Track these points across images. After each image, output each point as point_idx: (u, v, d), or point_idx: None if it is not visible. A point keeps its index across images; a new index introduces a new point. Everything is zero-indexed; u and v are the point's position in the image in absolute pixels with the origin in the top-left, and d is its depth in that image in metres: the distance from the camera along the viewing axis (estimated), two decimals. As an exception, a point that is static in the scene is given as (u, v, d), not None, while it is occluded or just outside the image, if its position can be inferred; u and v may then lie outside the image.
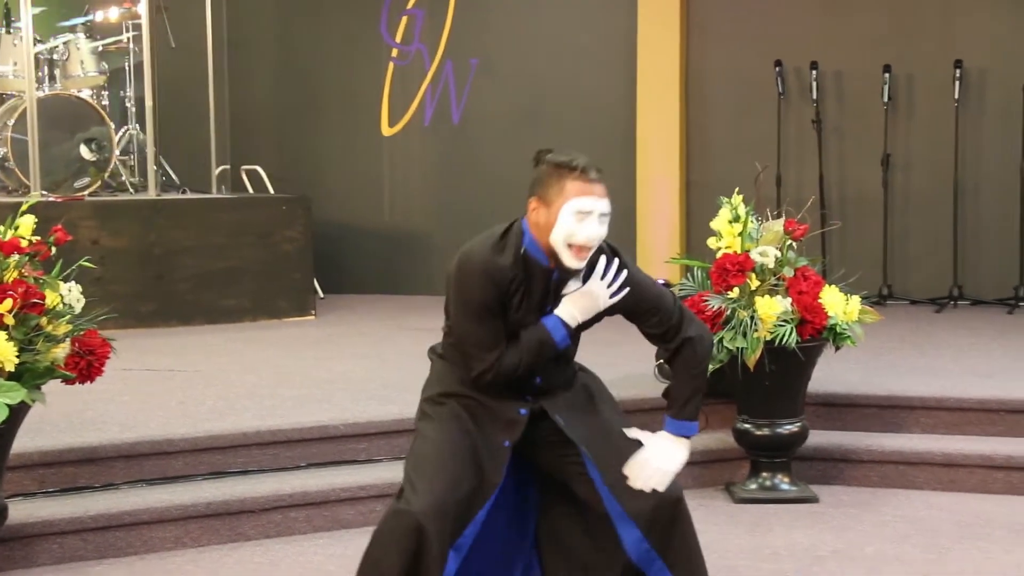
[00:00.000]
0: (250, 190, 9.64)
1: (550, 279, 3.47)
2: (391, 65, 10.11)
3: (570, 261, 3.40)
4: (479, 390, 3.51)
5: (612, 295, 3.47)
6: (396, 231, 10.16)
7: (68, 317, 4.23)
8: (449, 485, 3.35)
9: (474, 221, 9.70)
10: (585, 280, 3.50)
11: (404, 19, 10.07)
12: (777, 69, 8.97)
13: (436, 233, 10.00)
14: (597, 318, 3.54)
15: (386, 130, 10.17)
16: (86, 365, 4.24)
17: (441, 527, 3.31)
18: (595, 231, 3.38)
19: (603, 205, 3.40)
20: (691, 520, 3.54)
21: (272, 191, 9.53)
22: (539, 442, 3.54)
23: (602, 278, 3.46)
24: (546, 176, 3.42)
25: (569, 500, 3.57)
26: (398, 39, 10.09)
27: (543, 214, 3.41)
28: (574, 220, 3.36)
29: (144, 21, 8.62)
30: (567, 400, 3.57)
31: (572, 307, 3.48)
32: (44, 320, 4.14)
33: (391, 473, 5.08)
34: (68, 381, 4.24)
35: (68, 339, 4.20)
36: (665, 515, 3.46)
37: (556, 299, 3.50)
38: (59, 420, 5.09)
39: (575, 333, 3.54)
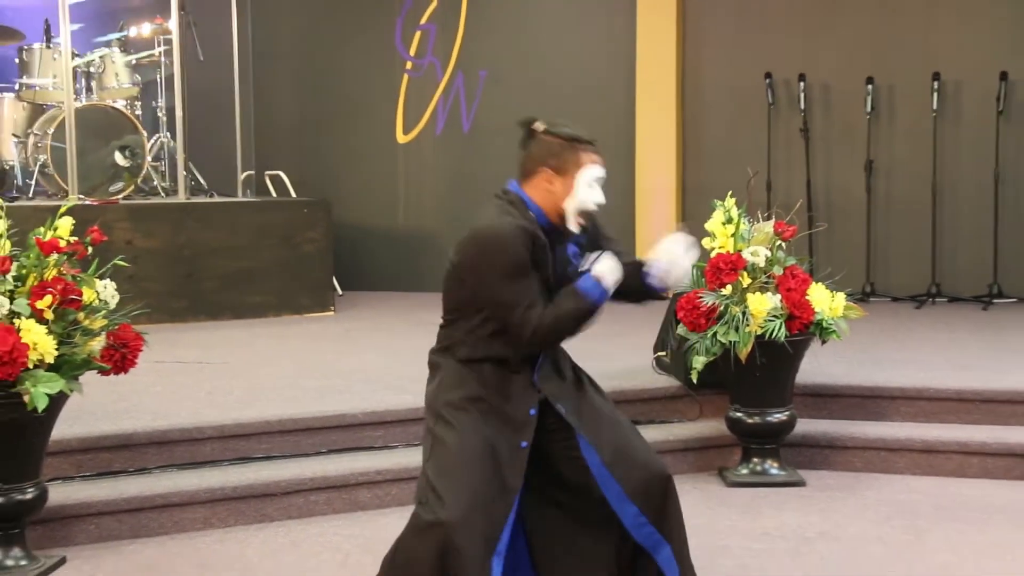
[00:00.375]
0: (273, 194, 9.64)
1: (554, 244, 3.43)
2: (405, 77, 10.10)
3: (575, 226, 3.42)
4: (494, 388, 3.39)
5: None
6: (410, 233, 10.16)
7: (103, 312, 4.24)
8: (477, 495, 3.23)
9: (483, 223, 9.77)
10: (578, 246, 3.48)
11: (418, 33, 10.06)
12: (767, 81, 8.96)
13: (447, 235, 9.97)
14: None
15: (401, 138, 10.16)
16: (120, 357, 4.25)
17: (473, 538, 3.18)
18: (601, 197, 3.43)
19: (604, 171, 3.46)
20: (678, 498, 3.48)
21: (294, 195, 9.53)
22: (538, 430, 3.44)
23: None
24: (559, 149, 3.40)
25: (558, 494, 3.48)
26: (412, 52, 10.08)
27: (559, 184, 3.39)
28: (588, 188, 3.39)
29: (175, 36, 8.63)
30: (563, 387, 3.48)
31: (610, 268, 3.38)
32: (81, 315, 4.15)
33: (407, 458, 5.09)
34: (104, 372, 4.25)
35: (104, 333, 4.21)
36: (658, 490, 3.41)
37: (561, 265, 3.44)
38: (95, 409, 5.09)
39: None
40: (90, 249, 4.27)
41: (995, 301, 8.42)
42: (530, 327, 3.31)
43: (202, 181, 9.31)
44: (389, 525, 4.72)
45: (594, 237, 3.54)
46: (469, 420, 3.35)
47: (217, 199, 8.97)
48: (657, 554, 3.42)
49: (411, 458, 5.09)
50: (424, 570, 3.19)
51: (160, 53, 9.21)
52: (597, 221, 3.55)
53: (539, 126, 3.45)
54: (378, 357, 6.66)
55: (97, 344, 4.19)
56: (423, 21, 10.03)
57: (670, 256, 3.42)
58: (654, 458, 3.47)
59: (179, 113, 8.51)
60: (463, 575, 3.16)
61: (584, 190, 3.39)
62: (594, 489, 3.41)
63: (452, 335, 3.47)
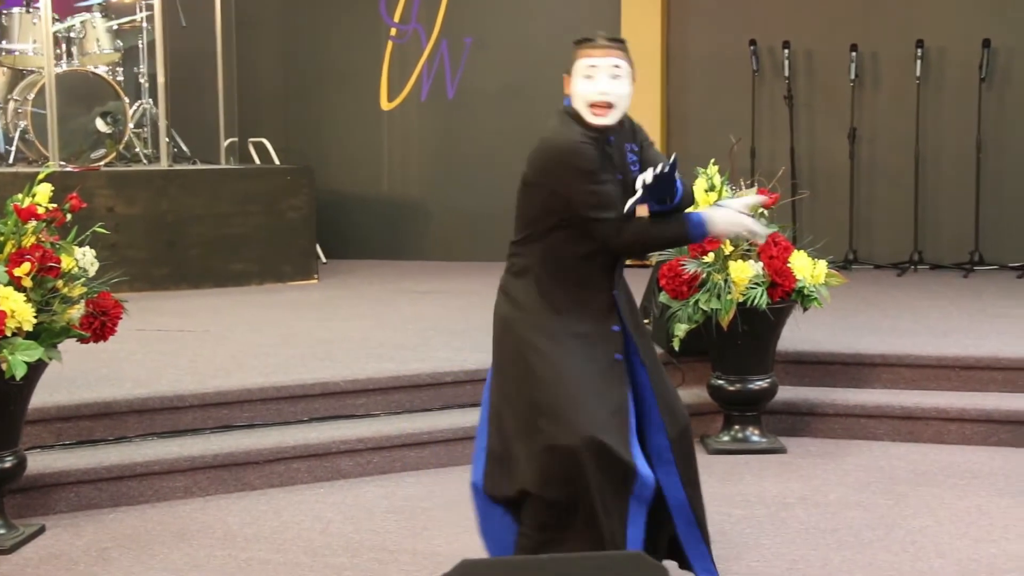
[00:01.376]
0: (257, 161, 9.58)
1: (609, 143, 3.41)
2: (390, 43, 10.03)
3: (591, 118, 3.35)
4: (575, 309, 3.40)
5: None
6: (394, 200, 10.11)
7: (83, 280, 4.21)
8: (600, 408, 3.31)
9: (468, 191, 9.76)
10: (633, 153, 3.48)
11: (402, 0, 9.98)
12: (751, 48, 8.91)
13: (432, 202, 9.97)
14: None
15: (385, 105, 10.09)
16: (100, 325, 4.22)
17: (613, 437, 3.28)
18: (607, 84, 3.35)
19: (611, 61, 3.37)
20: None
21: (277, 162, 9.46)
22: None
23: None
24: (573, 53, 3.42)
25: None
26: (396, 18, 10.00)
27: (568, 86, 3.41)
28: (583, 77, 3.36)
29: (156, 1, 8.53)
30: (632, 316, 3.54)
31: (721, 219, 3.47)
32: (60, 283, 4.12)
33: (388, 426, 5.08)
34: (83, 340, 4.22)
35: (83, 301, 4.17)
36: (687, 441, 3.54)
37: (622, 169, 3.43)
38: (75, 377, 5.06)
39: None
40: (69, 216, 4.23)
41: (976, 268, 8.42)
42: (629, 232, 3.33)
43: (184, 148, 9.24)
44: (370, 493, 4.73)
45: (643, 141, 3.54)
46: (560, 345, 3.37)
47: (200, 166, 8.90)
48: (672, 501, 3.50)
49: (393, 426, 5.09)
50: (586, 483, 3.24)
51: (142, 19, 9.10)
52: (636, 125, 3.54)
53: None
54: (361, 325, 6.63)
55: (76, 312, 4.15)
56: (407, -13, 9.94)
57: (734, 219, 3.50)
58: (684, 410, 3.59)
59: (161, 79, 8.43)
60: (618, 470, 3.26)
61: (580, 82, 3.36)
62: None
63: (527, 256, 3.43)
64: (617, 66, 3.37)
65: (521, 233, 3.45)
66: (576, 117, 3.39)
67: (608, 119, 3.36)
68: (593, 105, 3.35)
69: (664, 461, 3.49)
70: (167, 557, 4.07)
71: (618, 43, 3.43)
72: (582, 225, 3.34)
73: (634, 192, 3.32)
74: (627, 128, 3.50)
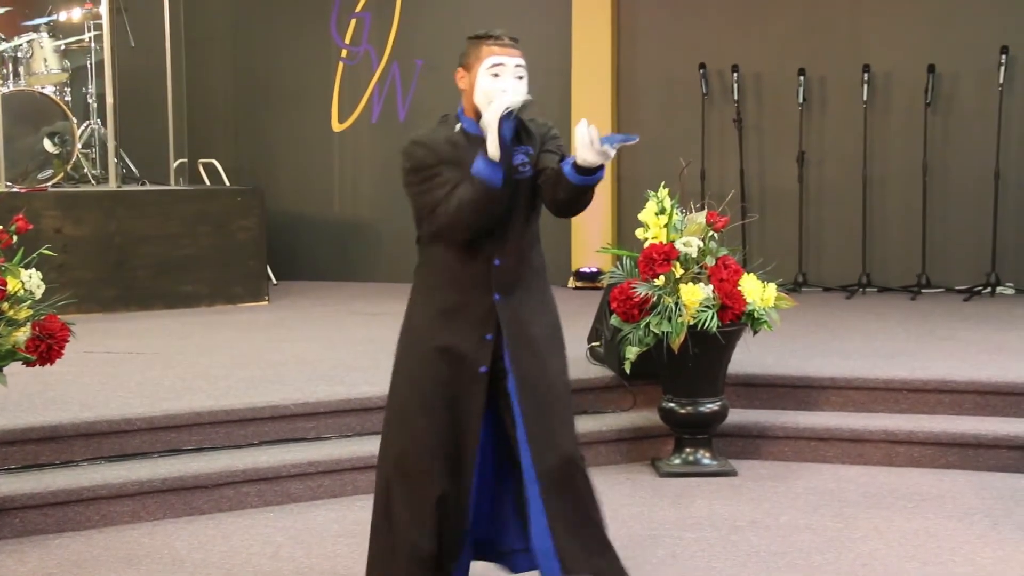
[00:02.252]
0: (207, 182, 9.52)
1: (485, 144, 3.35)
2: (341, 65, 10.02)
3: (493, 120, 3.30)
4: (448, 319, 3.39)
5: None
6: (346, 222, 10.08)
7: (29, 302, 4.16)
8: (418, 440, 3.38)
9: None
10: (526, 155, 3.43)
11: (353, 21, 9.97)
12: (701, 71, 8.99)
13: (383, 223, 9.95)
14: (522, 176, 3.41)
15: (336, 126, 10.08)
16: (46, 348, 4.17)
17: (411, 473, 3.39)
18: (510, 84, 3.34)
19: (515, 61, 3.38)
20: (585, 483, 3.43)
21: (227, 183, 9.41)
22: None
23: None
24: (467, 48, 3.43)
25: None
26: (347, 40, 10.00)
27: (466, 81, 3.40)
28: (489, 75, 3.34)
29: (105, 21, 8.47)
30: (520, 332, 3.42)
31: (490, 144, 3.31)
32: (5, 305, 4.07)
33: (339, 450, 5.05)
34: (29, 364, 4.16)
35: (29, 323, 4.12)
36: (562, 474, 3.37)
37: (508, 170, 3.38)
38: (21, 400, 4.99)
39: (508, 179, 3.33)
40: (15, 237, 4.18)
41: (923, 291, 8.52)
42: (441, 214, 3.32)
43: (133, 169, 9.16)
44: (320, 517, 4.69)
45: (546, 144, 3.49)
46: (416, 359, 3.45)
47: (149, 187, 8.83)
48: (537, 546, 3.38)
49: (343, 449, 5.06)
50: (378, 507, 3.47)
51: (90, 38, 9.02)
52: (549, 132, 3.51)
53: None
54: (312, 347, 6.59)
55: (22, 335, 4.11)
56: (358, 9, 9.94)
57: (583, 139, 3.31)
58: (567, 441, 3.43)
59: (109, 100, 8.36)
60: (405, 509, 3.38)
61: (485, 79, 3.34)
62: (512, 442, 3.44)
63: (418, 264, 3.51)
64: (520, 66, 3.40)
65: (418, 230, 3.50)
66: (452, 120, 3.42)
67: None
68: (496, 108, 3.31)
69: (531, 496, 3.37)
70: (114, 584, 4.02)
71: (518, 43, 3.45)
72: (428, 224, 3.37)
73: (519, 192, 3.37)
74: (533, 133, 3.46)
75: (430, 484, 3.38)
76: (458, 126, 3.42)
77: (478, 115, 3.37)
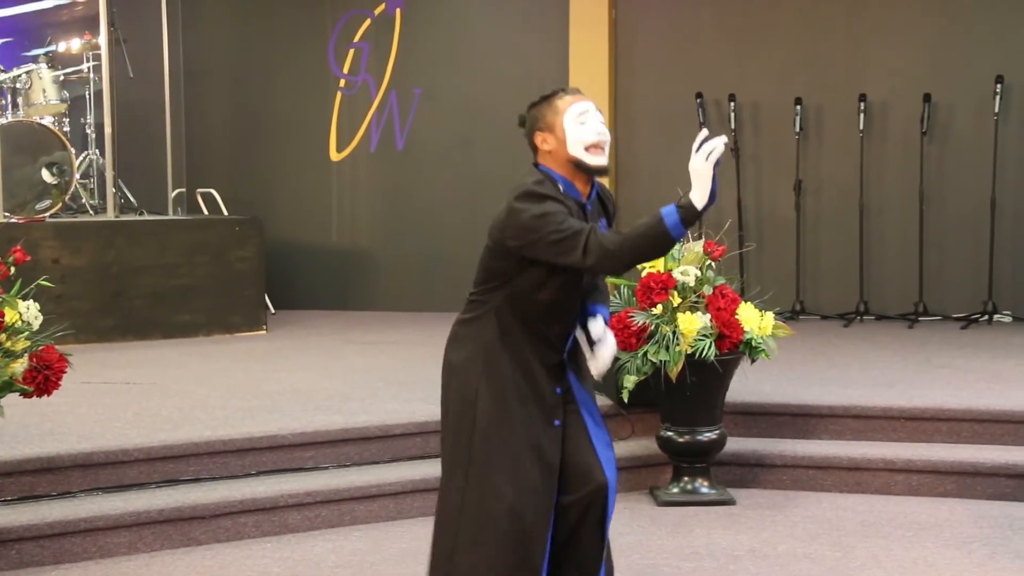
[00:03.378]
0: (205, 212, 9.54)
1: (585, 211, 3.40)
2: (339, 95, 10.06)
3: (594, 160, 3.35)
4: (524, 368, 3.38)
5: (707, 157, 3.18)
6: (344, 250, 10.10)
7: (27, 333, 4.16)
8: (530, 481, 3.32)
9: (416, 241, 9.78)
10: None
11: (351, 52, 10.03)
12: (698, 101, 9.03)
13: (381, 252, 9.97)
14: None
15: (334, 155, 10.11)
16: (43, 379, 4.17)
17: (533, 518, 3.31)
18: (600, 126, 3.38)
19: (594, 105, 3.42)
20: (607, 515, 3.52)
21: (226, 213, 9.43)
22: None
23: (697, 150, 3.20)
24: (539, 112, 3.43)
25: None
26: (345, 70, 10.04)
27: (552, 140, 3.39)
28: (578, 123, 3.36)
29: (104, 52, 8.52)
30: (581, 374, 3.53)
31: (693, 193, 3.20)
32: (3, 336, 4.07)
33: (337, 480, 5.05)
34: (26, 395, 4.16)
35: (26, 354, 4.12)
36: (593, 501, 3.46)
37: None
38: (18, 431, 4.99)
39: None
40: (13, 269, 4.19)
41: (920, 319, 8.54)
42: (576, 245, 3.20)
43: (132, 199, 9.18)
44: (318, 547, 4.69)
45: (611, 214, 3.55)
46: (507, 406, 3.36)
47: (147, 217, 8.85)
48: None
49: (341, 479, 5.05)
50: (497, 553, 3.30)
51: (89, 69, 9.08)
52: (608, 194, 3.56)
53: (523, 113, 3.49)
54: (309, 376, 6.59)
55: (19, 366, 4.10)
56: (356, 39, 9.99)
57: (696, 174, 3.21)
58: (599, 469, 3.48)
59: (108, 130, 8.40)
60: (533, 554, 3.31)
61: (574, 128, 3.35)
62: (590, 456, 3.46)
63: (485, 304, 3.42)
64: (599, 111, 3.44)
65: (481, 279, 3.44)
66: (547, 177, 3.36)
67: (605, 160, 3.39)
68: (592, 147, 3.36)
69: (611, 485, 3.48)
70: (110, 616, 4.01)
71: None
72: (549, 255, 3.26)
73: None
74: (600, 198, 3.51)
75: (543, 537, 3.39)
76: (560, 187, 3.37)
77: (574, 172, 3.37)
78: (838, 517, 5.01)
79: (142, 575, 4.39)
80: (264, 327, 8.49)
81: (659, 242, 3.24)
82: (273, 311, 9.22)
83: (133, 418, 5.45)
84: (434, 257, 9.67)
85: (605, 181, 9.58)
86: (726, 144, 3.24)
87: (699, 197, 3.20)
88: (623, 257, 3.24)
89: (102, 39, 8.52)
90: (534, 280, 3.34)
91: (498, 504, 3.30)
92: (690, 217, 3.20)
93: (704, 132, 3.25)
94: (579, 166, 3.36)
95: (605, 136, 3.37)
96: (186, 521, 4.71)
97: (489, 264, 3.41)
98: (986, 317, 8.43)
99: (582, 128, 3.36)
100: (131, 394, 6.06)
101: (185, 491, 4.86)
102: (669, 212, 3.20)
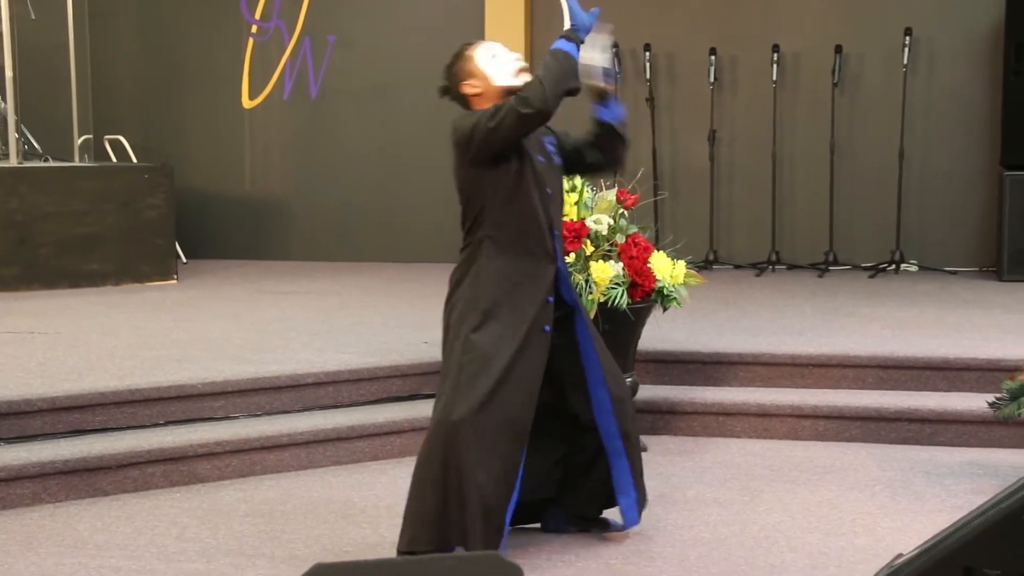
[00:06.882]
0: (113, 159, 9.34)
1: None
2: (251, 40, 9.88)
3: (522, 78, 3.73)
4: (515, 283, 3.69)
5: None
6: (256, 199, 9.97)
7: (-78, 281, 4.04)
8: (495, 395, 3.60)
9: (331, 190, 9.68)
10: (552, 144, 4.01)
11: (263, -4, 9.85)
12: (614, 50, 8.98)
13: (295, 201, 9.86)
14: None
15: (247, 103, 9.95)
16: (-60, 328, 4.05)
17: (480, 435, 3.57)
18: (513, 55, 3.79)
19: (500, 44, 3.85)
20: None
21: (135, 160, 9.25)
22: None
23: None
24: (455, 68, 3.79)
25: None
26: (257, 15, 9.86)
27: (477, 82, 3.74)
28: (492, 58, 3.77)
29: (4, -7, 8.27)
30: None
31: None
32: None
33: (247, 429, 5.00)
34: (-78, 344, 4.05)
35: (-78, 302, 4.01)
36: (628, 406, 4.00)
37: (540, 149, 3.91)
38: (-83, 381, 4.86)
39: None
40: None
41: (831, 269, 8.67)
42: (521, 95, 3.62)
43: (36, 145, 8.96)
44: (228, 497, 4.64)
45: (559, 133, 4.06)
46: (495, 325, 3.65)
47: (52, 163, 8.64)
48: (614, 463, 3.95)
49: (251, 429, 5.01)
50: (433, 464, 3.60)
51: (-12, 11, 8.80)
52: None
53: (441, 85, 3.87)
54: (220, 326, 6.51)
55: (-85, 314, 3.99)
56: (268, -17, 9.81)
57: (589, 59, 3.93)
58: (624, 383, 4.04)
59: (9, 74, 8.16)
60: (467, 468, 3.54)
61: (491, 63, 3.74)
62: (579, 392, 3.89)
63: (474, 238, 3.73)
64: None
65: (463, 226, 3.76)
66: None
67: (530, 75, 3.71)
68: (518, 71, 3.75)
69: (603, 410, 3.89)
70: (12, 567, 3.93)
71: None
72: (496, 137, 3.60)
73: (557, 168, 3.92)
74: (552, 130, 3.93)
75: (521, 448, 3.69)
76: None
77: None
78: (747, 462, 5.08)
79: (46, 526, 4.31)
80: (175, 276, 8.37)
81: (558, 60, 3.77)
82: (185, 261, 9.09)
83: (37, 368, 5.34)
84: (348, 206, 9.58)
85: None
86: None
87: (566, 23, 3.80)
88: (542, 88, 3.65)
89: (2, -21, 8.26)
90: (502, 196, 3.68)
91: (496, 362, 3.61)
92: (565, 35, 3.86)
93: None
94: (512, 92, 3.66)
95: (523, 62, 3.75)
96: (92, 471, 4.63)
97: (465, 209, 3.74)
98: (893, 266, 8.59)
99: (499, 60, 3.71)
100: (35, 344, 5.94)
101: (91, 441, 4.77)
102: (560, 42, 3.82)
